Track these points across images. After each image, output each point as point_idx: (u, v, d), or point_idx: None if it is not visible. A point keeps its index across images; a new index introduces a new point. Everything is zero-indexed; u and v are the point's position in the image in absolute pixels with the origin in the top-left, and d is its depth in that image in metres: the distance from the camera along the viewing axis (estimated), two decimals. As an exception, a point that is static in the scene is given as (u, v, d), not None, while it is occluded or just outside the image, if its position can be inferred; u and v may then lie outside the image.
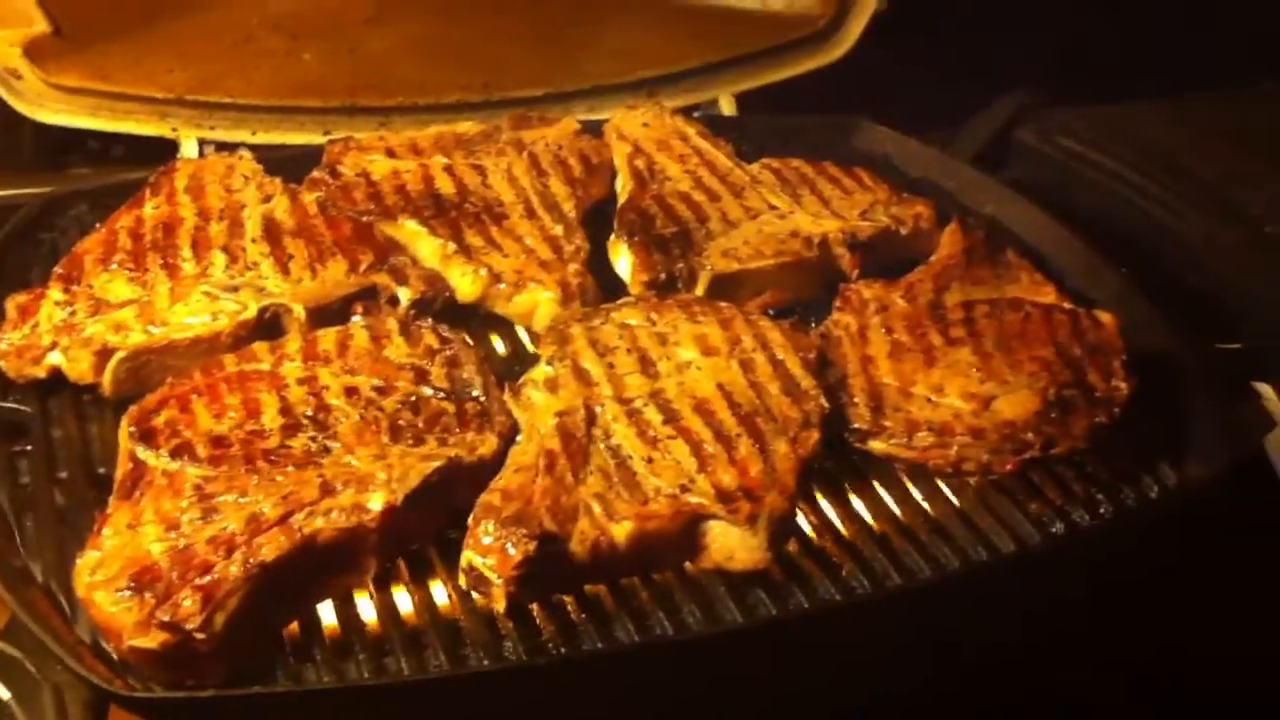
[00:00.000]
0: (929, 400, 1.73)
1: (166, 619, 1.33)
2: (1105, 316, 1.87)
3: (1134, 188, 2.38)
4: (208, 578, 1.37)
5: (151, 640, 1.33)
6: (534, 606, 1.50)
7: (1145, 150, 2.45)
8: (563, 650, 1.46)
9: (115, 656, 1.38)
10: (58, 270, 1.80)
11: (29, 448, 1.64)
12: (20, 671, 1.63)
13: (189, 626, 1.33)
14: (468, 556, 1.49)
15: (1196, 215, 2.34)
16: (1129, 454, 1.75)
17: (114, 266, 1.79)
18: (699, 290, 1.92)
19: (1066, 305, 1.90)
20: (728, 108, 2.49)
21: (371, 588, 1.51)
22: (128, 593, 1.36)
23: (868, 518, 1.67)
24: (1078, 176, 2.45)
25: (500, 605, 1.47)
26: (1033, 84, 2.68)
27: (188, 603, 1.34)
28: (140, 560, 1.39)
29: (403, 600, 1.51)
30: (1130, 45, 2.99)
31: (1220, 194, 2.38)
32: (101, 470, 1.62)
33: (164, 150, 2.32)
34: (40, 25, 2.28)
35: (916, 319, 1.85)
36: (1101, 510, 1.69)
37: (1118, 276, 2.02)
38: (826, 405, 1.68)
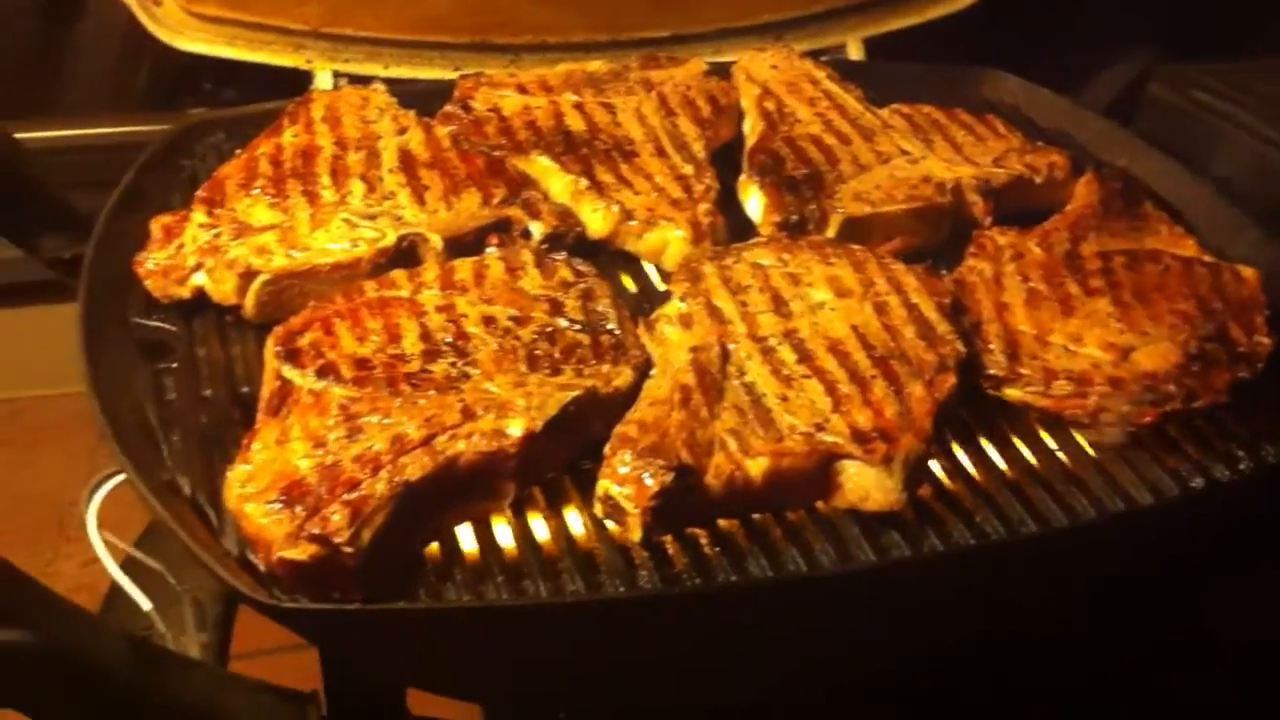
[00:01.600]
0: (1067, 349, 1.71)
1: (316, 532, 1.36)
2: (1247, 271, 1.83)
3: (1271, 143, 2.33)
4: (355, 494, 1.39)
5: (301, 552, 1.36)
6: (667, 539, 1.51)
7: (1281, 105, 2.40)
8: (697, 581, 1.46)
9: (262, 569, 1.41)
10: (200, 194, 1.82)
11: (174, 365, 1.67)
12: (161, 583, 1.68)
13: (337, 540, 1.36)
14: (604, 485, 1.50)
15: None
16: (1268, 411, 1.72)
17: (255, 192, 1.81)
18: (830, 233, 1.90)
19: (1207, 258, 1.86)
20: (855, 53, 2.46)
21: (509, 513, 1.52)
22: (278, 505, 1.38)
23: (1001, 465, 1.65)
24: (1212, 131, 2.40)
25: (635, 535, 1.48)
26: (1163, 37, 2.63)
27: (336, 517, 1.37)
28: (289, 475, 1.41)
29: (539, 527, 1.53)
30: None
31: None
32: (244, 390, 1.65)
33: (278, 91, 2.35)
34: (182, -47, 2.31)
35: (1053, 268, 1.83)
36: (1241, 466, 1.66)
37: (1255, 232, 1.98)
38: (963, 350, 1.67)
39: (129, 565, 1.76)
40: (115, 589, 1.83)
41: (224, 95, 2.99)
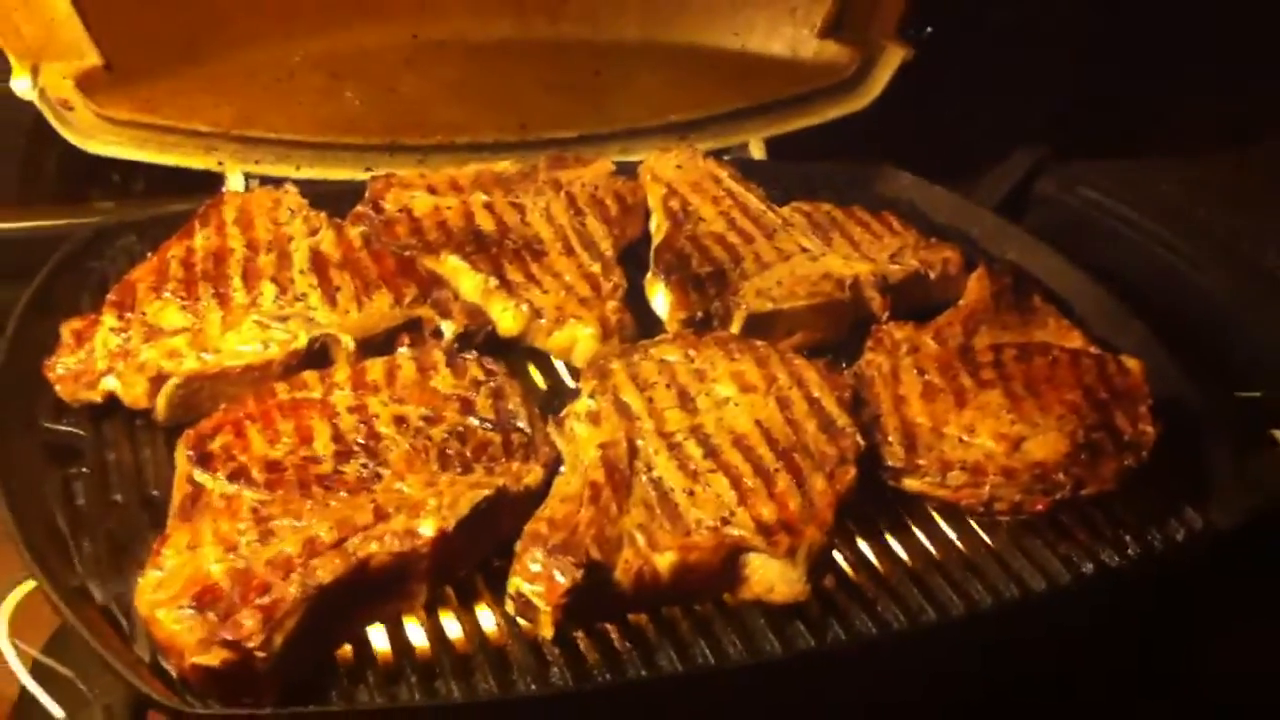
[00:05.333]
0: (961, 440, 1.78)
1: (228, 638, 1.36)
2: (1131, 362, 1.92)
3: (1153, 239, 2.44)
4: (267, 598, 1.40)
5: (213, 658, 1.36)
6: (579, 634, 1.54)
7: (1163, 203, 2.51)
8: (608, 677, 1.49)
9: (175, 675, 1.41)
10: (111, 297, 1.83)
11: (84, 470, 1.68)
12: (71, 690, 1.66)
13: (250, 645, 1.36)
14: (515, 583, 1.52)
15: (1214, 267, 2.39)
16: (1153, 498, 1.80)
17: (166, 295, 1.83)
18: (734, 329, 1.96)
19: (1093, 350, 1.95)
20: (757, 152, 2.54)
21: (422, 613, 1.54)
22: (190, 611, 1.39)
23: (902, 554, 1.71)
24: (1097, 227, 2.51)
25: (547, 632, 1.50)
26: (1051, 136, 2.75)
27: (249, 622, 1.38)
28: (201, 580, 1.42)
29: (451, 626, 1.55)
30: (1142, 104, 3.05)
31: (1236, 247, 2.43)
32: (155, 493, 1.65)
33: (186, 185, 2.36)
34: (92, 59, 2.32)
35: (947, 361, 1.90)
36: (1129, 551, 1.73)
37: (1139, 325, 2.07)
38: (862, 443, 1.72)
39: (40, 669, 1.74)
40: (26, 694, 1.80)
41: (133, 187, 2.99)
